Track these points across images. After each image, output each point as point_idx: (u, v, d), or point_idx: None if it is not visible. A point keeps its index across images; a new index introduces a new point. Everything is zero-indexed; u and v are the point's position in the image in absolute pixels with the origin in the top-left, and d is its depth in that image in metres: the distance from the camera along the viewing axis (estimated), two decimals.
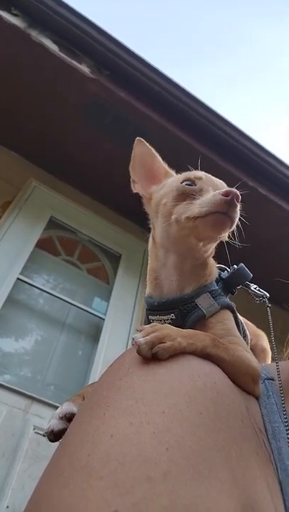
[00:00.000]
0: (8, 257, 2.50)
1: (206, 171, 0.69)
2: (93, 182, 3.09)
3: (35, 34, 2.38)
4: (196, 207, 0.58)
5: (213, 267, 0.66)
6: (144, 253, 3.09)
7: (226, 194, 0.56)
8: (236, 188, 0.64)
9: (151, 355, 0.40)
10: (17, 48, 2.43)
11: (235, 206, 0.57)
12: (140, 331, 0.43)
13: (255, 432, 0.40)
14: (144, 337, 0.41)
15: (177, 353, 0.42)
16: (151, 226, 0.71)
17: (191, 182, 0.63)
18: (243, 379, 0.47)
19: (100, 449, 0.30)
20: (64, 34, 2.44)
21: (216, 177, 0.68)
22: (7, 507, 1.72)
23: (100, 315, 2.69)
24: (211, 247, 0.65)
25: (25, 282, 2.55)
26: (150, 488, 0.27)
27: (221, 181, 0.66)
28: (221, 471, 0.31)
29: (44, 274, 2.81)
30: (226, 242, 0.65)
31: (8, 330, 2.45)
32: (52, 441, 0.49)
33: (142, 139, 0.75)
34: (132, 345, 0.42)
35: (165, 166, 0.75)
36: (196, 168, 0.70)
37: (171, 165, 0.77)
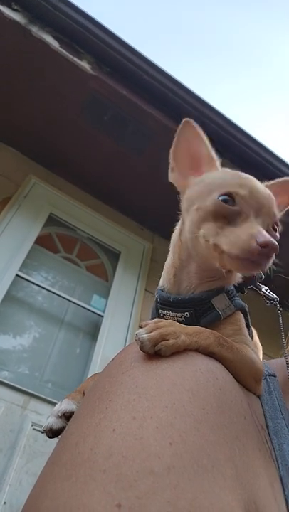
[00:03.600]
0: (7, 253, 2.49)
1: None
2: (93, 179, 3.08)
3: (35, 30, 2.36)
4: (225, 243, 0.49)
5: (235, 275, 0.60)
6: (143, 251, 3.08)
7: (264, 245, 0.47)
8: None
9: (154, 352, 0.40)
10: (17, 44, 2.42)
11: (270, 258, 0.49)
12: (143, 327, 0.42)
13: (257, 428, 0.40)
14: (147, 333, 0.40)
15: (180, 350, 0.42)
16: (180, 217, 0.62)
17: (231, 199, 0.52)
18: (245, 378, 0.46)
19: (103, 443, 0.29)
20: (65, 30, 2.43)
21: None
22: (4, 503, 1.72)
23: (99, 312, 2.69)
24: None
25: (24, 279, 2.55)
26: (153, 482, 0.27)
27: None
28: (224, 466, 0.31)
29: (43, 270, 2.80)
30: None
31: (7, 327, 2.45)
32: (50, 437, 0.50)
33: (191, 120, 0.63)
34: (135, 340, 0.41)
35: (211, 152, 0.64)
36: None
37: None
